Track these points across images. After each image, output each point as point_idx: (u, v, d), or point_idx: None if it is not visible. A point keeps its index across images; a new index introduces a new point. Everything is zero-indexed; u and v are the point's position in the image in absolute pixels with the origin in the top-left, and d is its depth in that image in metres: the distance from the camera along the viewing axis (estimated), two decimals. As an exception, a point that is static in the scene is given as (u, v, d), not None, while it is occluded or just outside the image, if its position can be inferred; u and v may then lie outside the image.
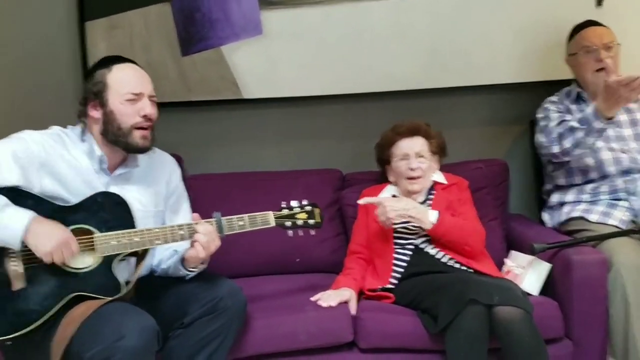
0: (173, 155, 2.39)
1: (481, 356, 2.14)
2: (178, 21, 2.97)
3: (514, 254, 2.59)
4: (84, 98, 2.14)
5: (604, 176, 2.66)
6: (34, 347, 1.94)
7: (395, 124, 2.68)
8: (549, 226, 2.79)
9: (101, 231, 2.00)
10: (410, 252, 2.50)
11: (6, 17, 2.94)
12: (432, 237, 2.47)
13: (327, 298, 2.36)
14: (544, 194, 2.91)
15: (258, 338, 2.25)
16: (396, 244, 2.52)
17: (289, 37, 2.99)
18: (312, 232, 2.24)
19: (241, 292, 2.12)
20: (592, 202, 2.66)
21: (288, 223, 2.19)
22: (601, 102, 2.42)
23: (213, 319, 2.06)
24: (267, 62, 3.00)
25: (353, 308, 2.37)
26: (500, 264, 2.56)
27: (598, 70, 2.69)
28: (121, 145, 2.11)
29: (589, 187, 2.69)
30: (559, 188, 2.79)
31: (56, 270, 1.95)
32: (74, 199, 2.03)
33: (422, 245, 2.49)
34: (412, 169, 2.56)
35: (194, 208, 2.33)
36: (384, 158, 2.69)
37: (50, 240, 1.90)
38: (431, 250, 2.48)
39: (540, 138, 2.71)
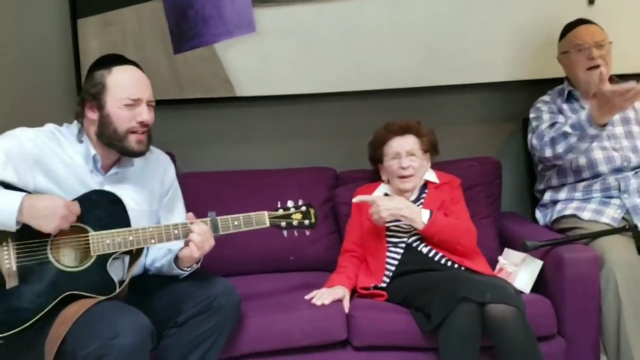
0: (165, 153, 2.38)
1: (474, 354, 2.15)
2: (170, 18, 2.96)
3: (506, 251, 2.60)
4: (81, 98, 2.12)
5: (596, 175, 2.68)
6: (26, 346, 1.94)
7: (387, 123, 2.68)
8: (542, 224, 2.80)
9: (95, 230, 1.99)
10: (402, 251, 2.50)
11: (-1, 15, 2.93)
12: (424, 237, 2.47)
13: (321, 296, 2.37)
14: (537, 192, 2.92)
15: (252, 336, 2.25)
16: (389, 242, 2.53)
17: (283, 35, 2.98)
18: (307, 233, 2.25)
19: (235, 291, 2.12)
20: (585, 200, 2.67)
21: (283, 223, 2.19)
22: (595, 110, 2.43)
23: (207, 317, 2.05)
24: (260, 59, 2.99)
25: (347, 306, 2.37)
26: (492, 262, 2.56)
27: (590, 68, 2.70)
28: (116, 149, 2.10)
29: (582, 185, 2.70)
30: (552, 187, 2.80)
31: (50, 269, 1.95)
32: (67, 197, 2.01)
33: (414, 244, 2.50)
34: (403, 168, 2.56)
35: (187, 206, 2.33)
36: (376, 157, 2.70)
37: (53, 217, 1.90)
38: (423, 248, 2.48)
39: (533, 140, 2.72)
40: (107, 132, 2.07)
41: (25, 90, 2.97)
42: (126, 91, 2.07)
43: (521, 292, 2.37)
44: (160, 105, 2.19)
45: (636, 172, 2.65)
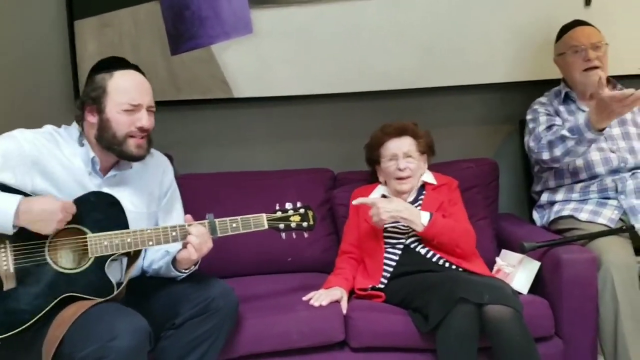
0: (163, 154, 2.38)
1: (471, 355, 2.15)
2: (167, 19, 2.96)
3: (504, 252, 2.61)
4: (81, 102, 2.12)
5: (593, 176, 2.68)
6: (24, 348, 1.93)
7: (384, 125, 2.68)
8: (539, 225, 2.81)
9: (93, 231, 1.99)
10: (399, 252, 2.50)
11: (-5, 17, 2.93)
12: (423, 239, 2.47)
13: (319, 298, 2.36)
14: (534, 193, 2.92)
15: (250, 338, 2.25)
16: (386, 243, 2.53)
17: (280, 36, 2.99)
18: (306, 235, 2.25)
19: (233, 293, 2.12)
20: (582, 201, 2.68)
21: (281, 225, 2.19)
22: (593, 115, 2.43)
23: (205, 319, 2.05)
24: (257, 61, 2.99)
25: (344, 307, 2.37)
26: (490, 263, 2.57)
27: (586, 69, 2.71)
28: (115, 153, 2.09)
29: (579, 186, 2.71)
30: (549, 188, 2.81)
31: (47, 271, 1.95)
32: (65, 199, 2.00)
33: (412, 245, 2.50)
34: (400, 169, 2.57)
35: (185, 208, 2.33)
36: (373, 158, 2.70)
37: (50, 220, 1.89)
38: (421, 249, 2.48)
39: (530, 142, 2.73)
40: (106, 136, 2.07)
41: (23, 91, 2.96)
42: (126, 96, 2.06)
43: (519, 293, 2.37)
44: (157, 106, 2.19)
45: (633, 173, 2.66)
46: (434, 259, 2.46)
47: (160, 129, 2.21)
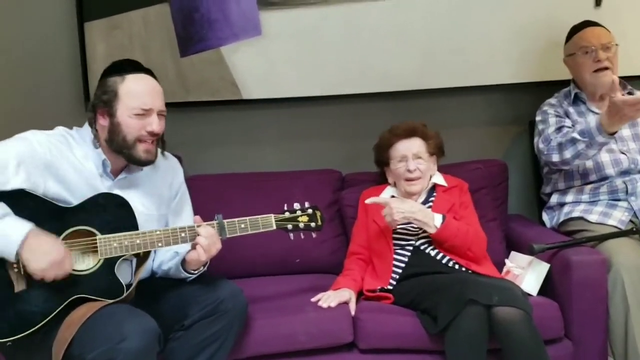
0: (173, 156, 2.39)
1: (481, 357, 2.14)
2: (177, 22, 2.97)
3: (513, 254, 2.60)
4: (93, 104, 2.11)
5: (603, 178, 2.67)
6: (34, 349, 1.94)
7: (392, 126, 2.68)
8: (549, 226, 2.80)
9: (103, 233, 1.99)
10: (409, 253, 2.50)
11: (6, 18, 2.94)
12: (435, 241, 2.47)
13: (327, 299, 2.36)
14: (543, 195, 2.91)
15: (258, 339, 2.25)
16: (396, 244, 2.52)
17: (288, 38, 2.99)
18: (314, 235, 2.25)
19: (242, 294, 2.12)
20: (592, 203, 2.66)
21: (289, 226, 2.19)
22: (605, 118, 2.42)
23: (214, 321, 2.06)
24: (266, 62, 3.00)
25: (353, 309, 2.37)
26: (499, 265, 2.56)
27: (596, 70, 2.70)
28: (124, 157, 2.10)
29: (588, 187, 2.70)
30: (558, 189, 2.79)
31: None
32: (75, 202, 2.02)
33: (422, 246, 2.50)
34: (410, 171, 2.56)
35: (193, 209, 2.33)
36: (382, 160, 2.69)
37: (46, 257, 1.87)
38: (431, 251, 2.48)
39: (540, 144, 2.71)
40: (117, 140, 2.07)
41: (33, 93, 2.98)
42: (138, 101, 2.06)
43: (528, 295, 2.36)
44: (166, 108, 2.19)
45: (643, 175, 2.65)
46: (444, 261, 2.45)
47: (169, 130, 2.22)
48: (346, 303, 2.38)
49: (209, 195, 2.71)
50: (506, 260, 2.58)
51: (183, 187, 2.33)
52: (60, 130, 2.13)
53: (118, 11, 2.93)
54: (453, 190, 2.63)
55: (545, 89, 2.96)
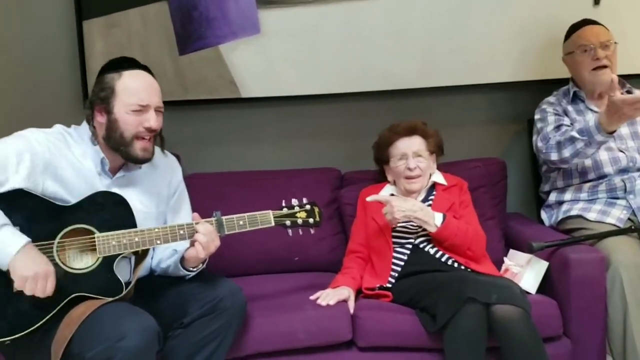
0: (171, 154, 2.38)
1: (479, 355, 2.14)
2: (175, 20, 2.97)
3: (512, 252, 2.60)
4: (90, 101, 2.12)
5: (601, 176, 2.67)
6: (33, 348, 1.94)
7: (392, 124, 2.68)
8: (547, 225, 2.80)
9: (101, 231, 1.99)
10: (408, 251, 2.50)
11: (4, 17, 2.94)
12: (435, 240, 2.47)
13: (326, 297, 2.37)
14: (542, 193, 2.91)
15: (257, 337, 2.25)
16: (395, 242, 2.52)
17: (287, 36, 2.99)
18: (312, 231, 2.25)
19: (241, 292, 2.12)
20: (590, 201, 2.67)
21: (288, 222, 2.19)
22: (604, 117, 2.42)
23: (213, 319, 2.06)
24: (265, 61, 3.00)
25: (352, 307, 2.37)
26: (498, 263, 2.56)
27: (595, 68, 2.70)
28: (121, 154, 2.09)
29: (587, 185, 2.70)
30: (557, 188, 2.80)
31: (56, 271, 1.93)
32: (73, 201, 2.02)
33: (421, 245, 2.50)
34: (410, 169, 2.56)
35: (192, 207, 2.34)
36: (382, 158, 2.69)
37: (32, 267, 1.85)
38: (430, 249, 2.48)
39: (538, 142, 2.72)
40: (114, 136, 2.07)
41: (31, 91, 2.98)
42: (135, 97, 2.06)
43: (527, 293, 2.36)
44: (165, 106, 2.19)
45: (642, 173, 2.65)
46: (443, 259, 2.45)
47: (168, 129, 2.22)
48: (345, 301, 2.37)
49: (207, 194, 2.70)
50: (505, 259, 2.58)
51: (181, 186, 2.33)
52: (58, 128, 2.13)
53: (117, 9, 2.93)
54: (453, 189, 2.63)
55: (544, 87, 2.96)
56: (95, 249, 1.98)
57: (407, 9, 3.01)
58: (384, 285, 2.46)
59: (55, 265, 1.94)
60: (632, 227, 2.50)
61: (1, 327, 1.88)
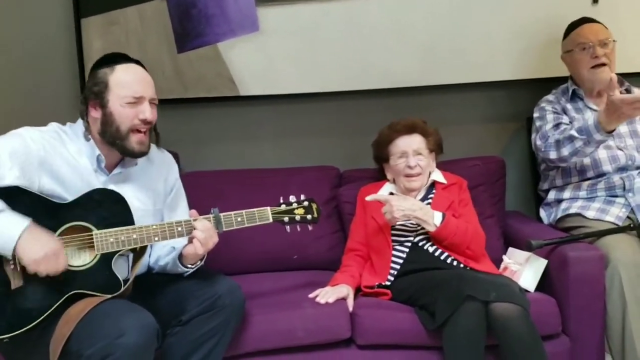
0: (169, 152, 2.38)
1: (478, 352, 2.14)
2: (174, 17, 2.97)
3: (511, 250, 2.60)
4: (84, 97, 2.12)
5: (600, 174, 2.67)
6: (32, 345, 1.94)
7: (392, 122, 2.68)
8: (546, 223, 2.80)
9: (99, 228, 1.99)
10: (407, 250, 2.50)
11: (2, 15, 2.93)
12: (434, 239, 2.47)
13: (325, 295, 2.36)
14: (541, 191, 2.91)
15: (256, 334, 2.25)
16: (394, 241, 2.52)
17: (286, 34, 2.99)
18: (310, 228, 2.24)
19: (239, 290, 2.12)
20: (589, 199, 2.67)
21: (286, 218, 2.19)
22: (603, 116, 2.42)
23: (211, 316, 2.05)
24: (264, 59, 3.00)
25: (351, 305, 2.37)
26: (497, 261, 2.56)
27: (594, 66, 2.70)
28: (117, 148, 2.09)
29: (586, 184, 2.70)
30: (556, 186, 2.80)
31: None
32: (70, 198, 2.01)
33: (420, 243, 2.49)
34: (410, 167, 2.56)
35: (191, 206, 2.32)
36: (381, 156, 2.69)
37: (41, 249, 1.86)
38: (429, 247, 2.47)
39: (537, 141, 2.72)
40: (110, 131, 2.07)
41: (30, 89, 2.98)
42: (129, 89, 2.07)
43: (526, 291, 2.36)
44: (164, 104, 2.20)
45: (641, 171, 2.65)
46: (442, 257, 2.45)
47: (167, 127, 2.22)
48: (344, 299, 2.37)
49: (206, 192, 2.70)
50: (504, 257, 2.58)
51: (178, 183, 2.33)
52: (53, 126, 2.13)
53: (115, 7, 2.94)
54: (452, 187, 2.63)
55: (543, 85, 2.96)
56: (93, 246, 1.98)
57: (407, 6, 3.01)
58: (383, 284, 2.46)
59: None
60: (631, 225, 2.49)
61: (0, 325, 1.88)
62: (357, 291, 2.48)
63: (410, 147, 2.57)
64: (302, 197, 2.24)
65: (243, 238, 2.41)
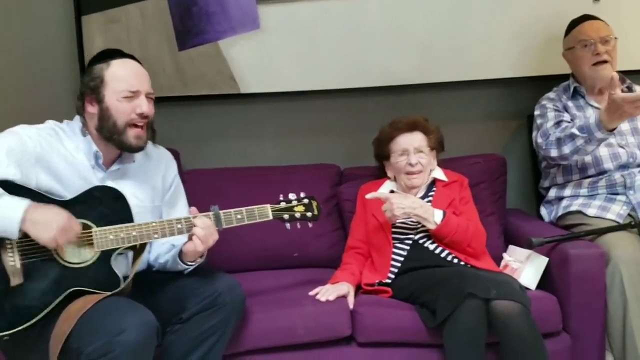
0: (170, 150, 2.38)
1: (479, 350, 2.14)
2: (175, 15, 2.96)
3: (512, 248, 2.60)
4: (81, 93, 2.12)
5: (601, 172, 2.67)
6: (32, 343, 1.94)
7: (393, 120, 2.67)
8: (547, 220, 2.80)
9: (99, 225, 1.99)
10: (408, 247, 2.49)
11: (2, 13, 2.93)
12: (434, 237, 2.46)
13: (325, 292, 2.36)
14: (542, 189, 2.91)
15: (256, 332, 2.25)
16: (395, 238, 2.52)
17: (287, 32, 2.98)
18: (310, 225, 2.24)
19: (240, 287, 2.12)
20: (590, 197, 2.66)
21: (286, 216, 2.18)
22: (604, 115, 2.42)
23: (212, 314, 2.05)
24: (264, 56, 2.99)
25: (351, 302, 2.37)
26: (498, 259, 2.56)
27: (595, 64, 2.69)
28: (115, 143, 2.09)
29: (587, 181, 2.69)
30: (557, 184, 2.79)
31: (54, 265, 1.94)
32: (68, 195, 2.01)
33: (420, 240, 2.49)
34: (411, 165, 2.55)
35: (191, 203, 2.32)
36: (382, 154, 2.69)
37: (52, 224, 1.87)
38: (430, 245, 2.47)
39: (538, 139, 2.71)
40: (107, 126, 2.07)
41: (30, 87, 2.97)
42: (125, 83, 2.07)
43: (527, 289, 2.36)
44: (164, 102, 2.20)
45: (642, 169, 2.65)
46: (443, 255, 2.45)
47: (167, 125, 2.22)
48: (344, 297, 2.37)
49: (206, 190, 2.70)
50: (504, 254, 2.58)
51: (177, 180, 2.33)
52: (50, 123, 2.13)
53: (116, 4, 2.93)
54: (453, 185, 2.63)
55: (544, 83, 2.96)
56: (92, 244, 1.98)
57: (407, 5, 3.00)
58: (384, 281, 2.45)
59: (53, 259, 1.95)
60: (632, 223, 2.49)
61: (-1, 322, 1.88)
62: (358, 289, 2.47)
63: (411, 145, 2.57)
64: (302, 194, 2.24)
65: (243, 236, 2.41)
